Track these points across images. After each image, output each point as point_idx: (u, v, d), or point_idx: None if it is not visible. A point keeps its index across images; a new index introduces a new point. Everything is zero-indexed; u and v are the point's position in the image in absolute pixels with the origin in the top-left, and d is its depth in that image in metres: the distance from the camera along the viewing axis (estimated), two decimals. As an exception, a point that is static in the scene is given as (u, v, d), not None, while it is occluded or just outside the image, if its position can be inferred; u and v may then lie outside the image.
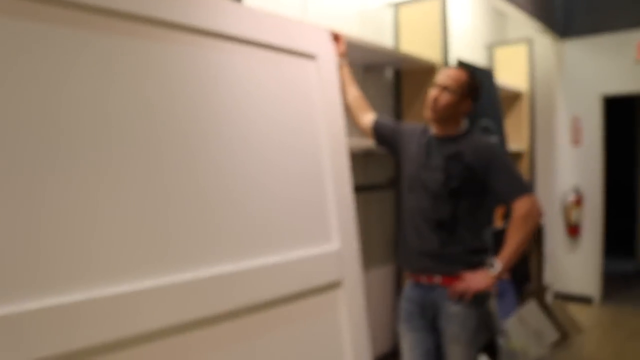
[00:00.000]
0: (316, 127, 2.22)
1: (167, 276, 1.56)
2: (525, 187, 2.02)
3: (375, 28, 3.47)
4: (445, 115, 2.10)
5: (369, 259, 3.40)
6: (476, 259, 2.06)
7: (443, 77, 2.11)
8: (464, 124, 2.16)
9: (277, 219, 1.95)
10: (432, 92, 2.10)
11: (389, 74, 3.56)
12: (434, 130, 2.18)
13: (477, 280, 2.01)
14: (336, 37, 2.37)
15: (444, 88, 2.08)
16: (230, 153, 1.82)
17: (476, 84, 2.14)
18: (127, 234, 1.51)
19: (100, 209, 1.46)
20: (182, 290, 1.58)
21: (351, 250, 2.25)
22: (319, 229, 2.13)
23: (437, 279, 2.08)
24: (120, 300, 1.44)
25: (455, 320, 2.04)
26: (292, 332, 1.94)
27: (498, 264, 2.00)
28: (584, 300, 5.19)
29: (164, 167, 1.63)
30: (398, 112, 3.53)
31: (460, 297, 2.03)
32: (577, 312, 4.68)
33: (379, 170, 3.44)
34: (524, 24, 4.93)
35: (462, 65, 3.62)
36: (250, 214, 1.85)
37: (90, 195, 1.44)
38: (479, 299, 2.06)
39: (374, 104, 3.36)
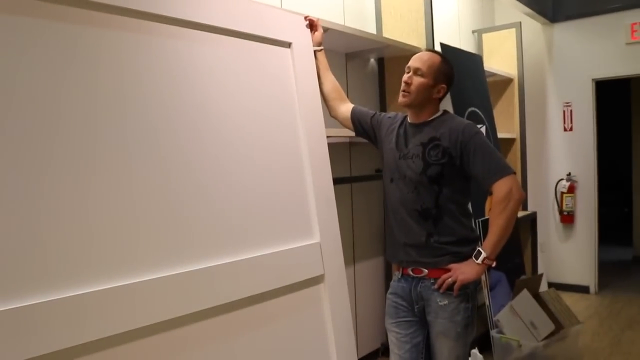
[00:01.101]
0: (294, 117, 2.13)
1: (144, 275, 1.52)
2: (504, 168, 1.91)
3: (357, 14, 3.37)
4: (418, 100, 1.99)
5: (357, 251, 3.32)
6: (465, 249, 1.96)
7: (415, 60, 2.01)
8: (439, 109, 2.06)
9: (255, 213, 1.89)
10: (404, 77, 2.00)
11: (372, 61, 3.46)
12: (410, 117, 2.08)
13: (464, 271, 1.90)
14: (312, 24, 2.26)
15: (416, 71, 1.98)
16: (204, 146, 1.77)
17: (450, 68, 2.04)
18: (99, 232, 1.45)
19: (67, 204, 1.40)
20: (161, 288, 1.54)
21: (333, 244, 2.17)
22: (299, 223, 2.07)
23: (424, 272, 1.97)
24: (96, 300, 1.40)
25: (443, 314, 1.94)
26: (274, 328, 1.89)
27: (484, 253, 1.89)
28: (580, 289, 5.10)
29: (133, 162, 1.56)
30: (382, 100, 3.43)
31: (448, 290, 1.92)
32: (573, 303, 4.60)
33: (365, 161, 3.35)
34: (512, 9, 4.82)
35: (444, 49, 3.51)
36: (227, 209, 1.80)
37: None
38: (467, 291, 1.95)
39: (357, 92, 3.28)
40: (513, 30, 4.64)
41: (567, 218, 5.08)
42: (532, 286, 3.44)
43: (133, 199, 1.53)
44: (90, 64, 1.49)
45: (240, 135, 1.89)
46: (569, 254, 5.16)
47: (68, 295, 1.35)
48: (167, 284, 1.56)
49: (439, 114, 2.05)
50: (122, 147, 1.53)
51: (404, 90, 2.00)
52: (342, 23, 3.15)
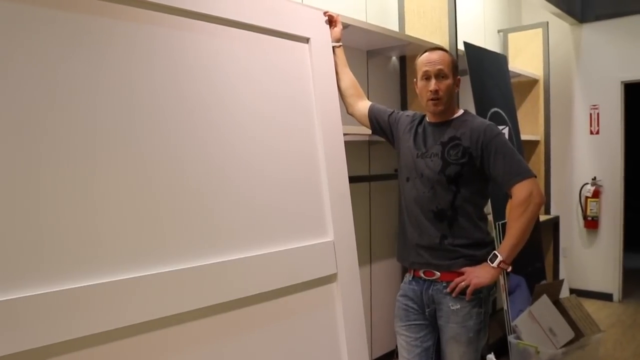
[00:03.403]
0: (310, 113, 2.11)
1: (158, 269, 1.52)
2: (525, 171, 1.86)
3: (379, 11, 3.33)
4: (448, 103, 1.97)
5: (374, 251, 3.28)
6: (479, 253, 1.91)
7: (432, 64, 1.95)
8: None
9: (270, 210, 1.88)
10: (430, 85, 1.95)
11: (393, 59, 3.42)
12: (429, 117, 2.04)
13: (478, 274, 1.86)
14: (331, 20, 2.23)
15: (438, 75, 1.95)
16: (220, 141, 1.76)
17: (455, 58, 2.04)
18: (114, 225, 1.45)
19: (76, 198, 1.38)
20: (174, 282, 1.54)
21: (347, 242, 2.14)
22: (313, 220, 2.05)
23: (437, 274, 1.93)
24: (110, 291, 1.40)
25: (455, 319, 1.90)
26: (285, 326, 1.88)
27: (500, 256, 1.84)
28: (603, 297, 4.98)
29: (148, 156, 1.56)
30: (403, 99, 3.39)
31: (461, 294, 1.88)
32: (595, 310, 4.49)
33: (385, 160, 3.30)
34: (539, 9, 4.72)
35: (467, 47, 3.44)
36: (239, 205, 1.78)
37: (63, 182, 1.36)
38: (480, 296, 1.91)
39: (378, 91, 3.25)
40: (540, 30, 4.54)
41: (591, 223, 4.96)
42: (553, 292, 3.37)
43: (142, 193, 1.52)
44: (93, 54, 1.47)
45: (255, 129, 1.87)
46: (592, 260, 5.04)
47: (81, 285, 1.35)
48: (178, 278, 1.55)
49: (459, 113, 2.00)
50: (138, 138, 1.52)
51: (434, 99, 1.95)
52: (364, 20, 3.11)
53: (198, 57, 1.73)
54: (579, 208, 5.04)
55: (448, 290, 1.89)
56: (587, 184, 4.97)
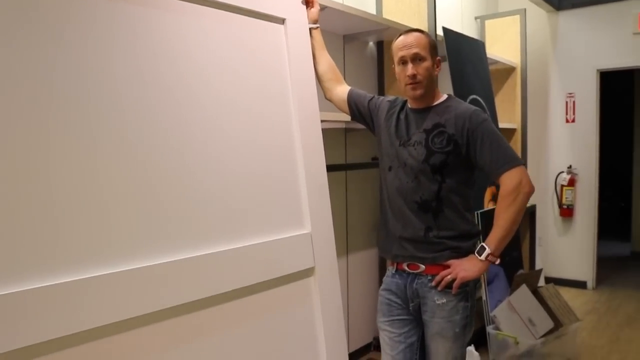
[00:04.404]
0: (286, 98, 2.00)
1: (119, 267, 1.41)
2: (513, 158, 1.78)
3: (356, -6, 3.21)
4: (429, 86, 1.87)
5: (350, 242, 3.19)
6: (465, 245, 1.83)
7: (407, 48, 1.85)
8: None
9: (241, 201, 1.77)
10: (407, 69, 1.85)
11: (370, 44, 3.31)
12: (411, 102, 1.94)
13: (465, 267, 1.78)
14: (308, 1, 2.11)
15: (415, 58, 1.84)
16: (187, 129, 1.64)
17: (433, 38, 1.91)
18: (74, 222, 1.33)
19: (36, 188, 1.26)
20: (139, 280, 1.43)
21: (325, 235, 2.05)
22: (289, 212, 1.95)
23: (421, 268, 1.85)
24: (71, 292, 1.29)
25: (440, 313, 1.82)
26: (261, 323, 1.79)
27: (487, 249, 1.76)
28: (577, 284, 5.00)
29: (104, 147, 1.43)
30: (380, 85, 3.30)
31: (447, 287, 1.80)
32: (570, 298, 4.49)
33: (362, 148, 3.21)
34: (516, -5, 4.66)
35: (446, 33, 3.36)
36: (210, 196, 1.68)
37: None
38: (467, 289, 1.83)
39: (354, 77, 3.15)
40: (517, 17, 4.48)
41: (567, 212, 4.97)
42: (531, 281, 3.34)
43: (107, 186, 1.40)
44: (46, 31, 1.33)
45: (226, 117, 1.76)
46: (567, 249, 5.06)
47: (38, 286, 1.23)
48: (146, 275, 1.44)
49: (443, 98, 1.91)
50: (79, 128, 1.37)
51: (412, 83, 1.85)
52: (341, 2, 2.99)
53: (164, 37, 1.60)
54: (555, 196, 5.04)
55: (433, 283, 1.81)
56: (562, 172, 4.97)
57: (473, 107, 1.86)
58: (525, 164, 1.78)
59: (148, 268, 1.45)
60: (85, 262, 1.33)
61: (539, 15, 4.98)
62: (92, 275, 1.33)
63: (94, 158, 1.38)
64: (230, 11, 1.84)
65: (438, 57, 1.91)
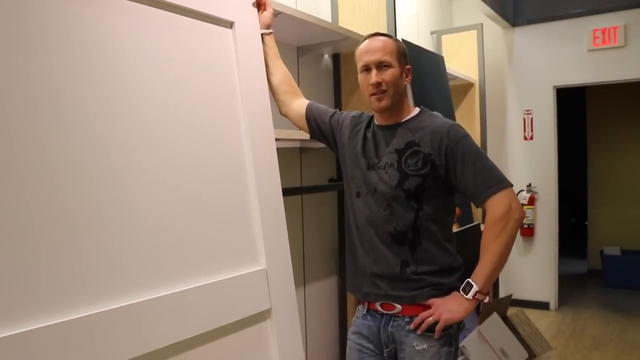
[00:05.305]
0: (235, 114, 1.73)
1: (35, 323, 1.09)
2: (500, 180, 1.56)
3: (310, 3, 2.98)
4: (396, 97, 1.64)
5: (308, 271, 2.92)
6: (448, 281, 1.59)
7: (371, 53, 1.62)
8: (410, 102, 1.70)
9: (182, 233, 1.47)
10: (371, 77, 1.61)
11: (326, 57, 3.08)
12: (378, 118, 1.70)
13: (450, 308, 1.53)
14: (260, 3, 1.85)
15: (380, 65, 1.61)
16: (116, 146, 1.33)
17: (403, 44, 1.70)
18: None
19: None
20: (62, 337, 1.13)
21: (283, 270, 1.77)
22: (240, 245, 1.65)
23: (397, 308, 1.59)
24: None
25: (420, 360, 1.55)
26: None
27: (475, 285, 1.51)
28: (540, 306, 4.86)
29: (12, 168, 1.11)
30: (337, 100, 3.06)
31: (428, 331, 1.54)
32: (535, 320, 4.31)
33: (318, 169, 2.95)
34: (472, 9, 4.56)
35: (406, 45, 3.16)
36: (142, 227, 1.36)
37: None
38: (450, 331, 1.58)
39: (309, 91, 2.89)
40: (474, 32, 4.37)
41: (527, 231, 4.85)
42: (501, 308, 3.13)
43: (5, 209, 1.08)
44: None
45: (164, 133, 1.47)
46: (528, 269, 4.93)
47: None
48: (66, 331, 1.13)
49: (415, 112, 1.68)
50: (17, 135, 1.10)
51: (376, 94, 1.61)
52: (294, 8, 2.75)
53: (98, 38, 1.33)
54: (515, 216, 4.90)
55: (412, 326, 1.55)
56: (522, 190, 4.85)
57: (450, 122, 1.63)
58: (513, 185, 1.54)
59: (66, 324, 1.13)
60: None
61: (494, 31, 4.90)
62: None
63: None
64: (169, 10, 1.56)
65: (408, 66, 1.68)
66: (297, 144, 2.74)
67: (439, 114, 1.70)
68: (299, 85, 2.80)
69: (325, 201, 3.04)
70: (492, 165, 1.56)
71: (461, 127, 1.61)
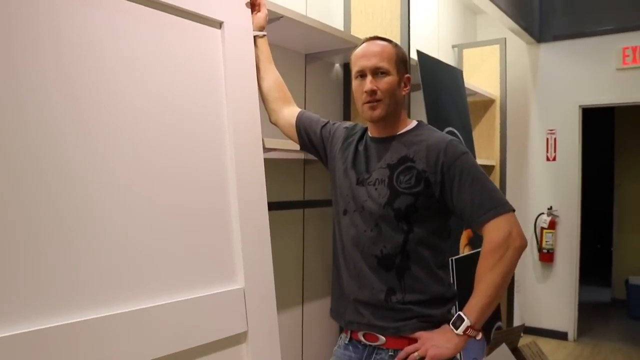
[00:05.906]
0: (219, 120, 1.64)
1: None
2: (501, 203, 1.41)
3: (321, 9, 2.87)
4: (392, 107, 1.51)
5: (307, 289, 2.78)
6: (437, 312, 1.44)
7: (367, 58, 1.49)
8: (408, 116, 1.57)
9: (153, 244, 1.37)
10: (365, 84, 1.49)
11: (337, 66, 2.96)
12: (372, 130, 1.58)
13: (437, 343, 1.38)
14: (254, 3, 1.74)
15: (376, 72, 1.48)
16: (89, 151, 1.25)
17: (404, 51, 1.57)
18: None
19: None
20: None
21: (263, 290, 1.66)
22: (217, 261, 1.55)
23: (381, 340, 1.45)
24: None
25: (405, 400, 1.41)
26: None
27: (467, 320, 1.36)
28: (557, 335, 4.63)
29: None
30: (346, 113, 2.94)
31: None
32: (551, 351, 4.13)
33: (322, 182, 2.82)
34: (495, 24, 4.41)
35: (421, 57, 3.03)
36: (109, 237, 1.27)
37: None
38: (440, 370, 1.42)
39: (317, 102, 2.78)
40: (497, 47, 4.20)
41: (547, 256, 4.63)
42: (511, 339, 2.95)
43: None
44: None
45: (140, 138, 1.39)
46: (546, 296, 4.71)
47: None
48: (22, 344, 1.06)
49: (412, 125, 1.54)
50: None
51: (371, 101, 1.48)
52: (304, 13, 2.65)
53: (70, 33, 1.25)
54: (534, 239, 4.69)
55: (397, 362, 1.40)
56: (542, 213, 4.65)
57: (449, 137, 1.48)
58: (514, 210, 1.38)
59: (23, 335, 1.06)
60: None
61: (518, 47, 4.74)
62: None
63: None
64: (150, 7, 1.47)
65: (407, 75, 1.55)
66: (301, 156, 2.62)
67: (437, 129, 1.55)
68: (306, 96, 2.70)
69: (329, 216, 2.91)
70: (492, 187, 1.41)
71: (460, 143, 1.46)
